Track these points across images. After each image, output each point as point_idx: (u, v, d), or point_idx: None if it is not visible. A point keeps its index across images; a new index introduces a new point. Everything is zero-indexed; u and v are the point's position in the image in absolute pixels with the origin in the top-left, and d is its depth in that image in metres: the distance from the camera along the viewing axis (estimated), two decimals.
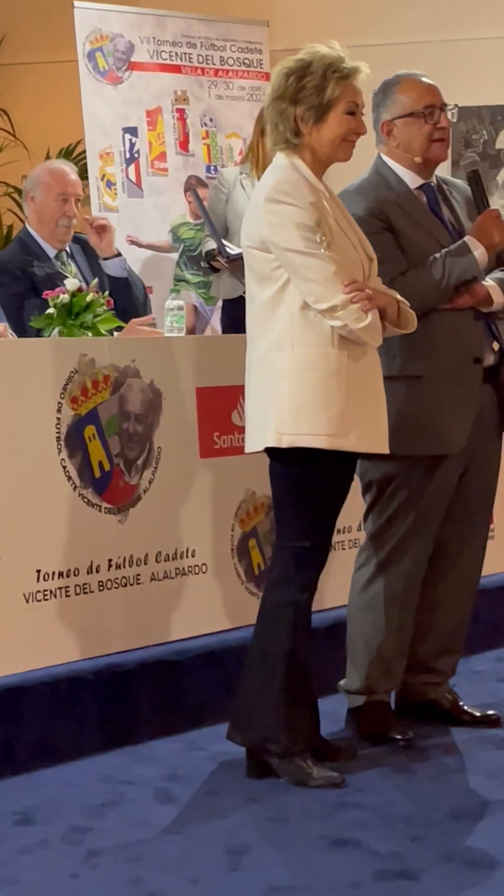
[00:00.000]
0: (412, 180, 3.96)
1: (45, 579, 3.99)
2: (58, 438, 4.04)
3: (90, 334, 4.36)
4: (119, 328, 4.61)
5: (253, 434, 3.67)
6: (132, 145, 7.15)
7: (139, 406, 4.26)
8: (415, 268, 3.86)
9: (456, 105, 3.98)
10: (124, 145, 7.13)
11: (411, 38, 7.89)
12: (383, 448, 3.66)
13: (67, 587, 4.04)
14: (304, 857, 3.16)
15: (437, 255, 3.87)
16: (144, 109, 7.21)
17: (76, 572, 4.06)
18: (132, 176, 7.16)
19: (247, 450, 3.74)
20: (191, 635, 4.33)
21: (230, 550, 4.51)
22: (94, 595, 4.10)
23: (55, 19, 7.65)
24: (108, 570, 4.14)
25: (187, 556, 4.37)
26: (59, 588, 4.02)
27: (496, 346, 3.97)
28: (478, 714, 4.14)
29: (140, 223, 7.16)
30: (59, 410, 4.04)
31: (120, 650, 4.14)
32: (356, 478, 3.83)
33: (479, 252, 3.86)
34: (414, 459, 3.90)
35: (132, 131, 7.16)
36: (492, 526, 4.68)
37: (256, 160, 5.91)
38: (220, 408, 4.46)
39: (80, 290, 4.43)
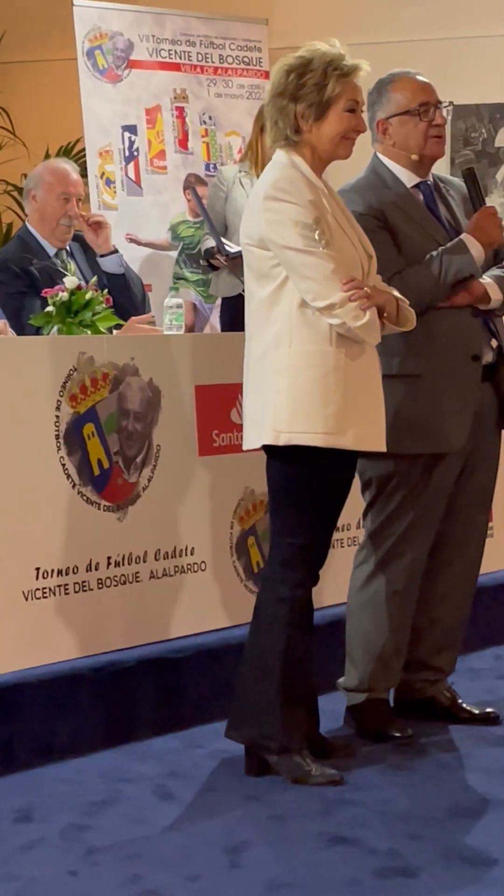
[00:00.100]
0: (408, 178, 3.97)
1: (44, 577, 3.99)
2: (57, 436, 4.04)
3: (89, 332, 4.36)
4: (118, 326, 4.61)
5: (250, 431, 3.68)
6: (131, 143, 7.15)
7: (138, 404, 4.26)
8: (412, 266, 3.86)
9: (451, 102, 3.99)
10: (123, 143, 7.13)
11: (410, 36, 7.90)
12: (381, 446, 3.66)
13: (66, 585, 4.04)
14: (303, 855, 3.16)
15: (434, 253, 3.88)
16: (144, 107, 7.21)
17: (75, 570, 4.06)
18: (131, 174, 7.16)
19: (244, 447, 3.74)
20: (190, 633, 4.33)
21: (229, 548, 4.51)
22: (93, 593, 4.10)
23: (54, 17, 7.66)
24: (107, 567, 4.14)
25: (186, 554, 4.37)
26: (58, 586, 4.02)
27: (494, 343, 3.98)
28: (476, 711, 4.15)
29: (139, 221, 7.16)
30: (58, 408, 4.04)
31: (119, 648, 4.14)
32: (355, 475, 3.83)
33: (476, 250, 3.87)
34: (413, 457, 3.90)
35: (131, 129, 7.16)
36: (490, 523, 4.69)
37: (256, 158, 5.91)
38: (219, 406, 4.46)
39: (79, 288, 4.43)
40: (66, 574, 4.04)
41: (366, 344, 3.60)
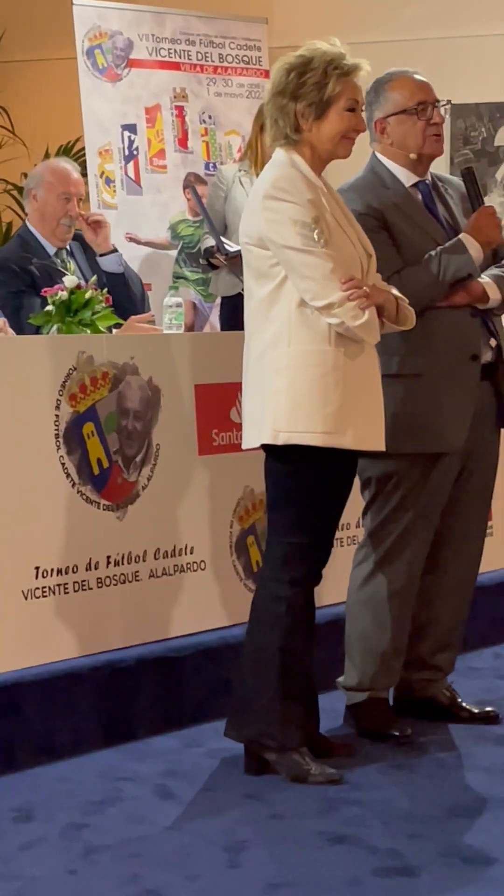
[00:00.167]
0: (407, 178, 3.97)
1: (43, 576, 3.99)
2: (56, 435, 4.04)
3: (89, 331, 4.36)
4: (117, 325, 4.61)
5: (249, 430, 3.67)
6: (131, 142, 7.15)
7: (138, 403, 4.26)
8: (410, 266, 3.86)
9: (449, 101, 3.99)
10: (123, 142, 7.14)
11: (410, 35, 7.90)
12: (380, 446, 3.66)
13: (66, 584, 4.04)
14: (303, 854, 3.16)
15: (433, 252, 3.88)
16: (143, 106, 7.22)
17: (75, 569, 4.06)
18: (131, 173, 7.16)
19: (244, 446, 3.74)
20: (189, 632, 4.33)
21: (229, 547, 4.51)
22: (92, 592, 4.10)
23: (54, 17, 7.66)
24: (107, 567, 4.14)
25: (186, 553, 4.37)
26: (58, 585, 4.02)
27: (493, 342, 3.98)
28: (476, 710, 4.15)
29: (139, 220, 7.17)
30: (57, 407, 4.04)
31: (118, 647, 4.14)
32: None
33: (475, 249, 3.87)
34: (412, 457, 3.90)
35: (131, 128, 7.17)
36: (490, 522, 4.69)
37: (255, 157, 5.92)
38: (219, 405, 4.46)
39: (78, 287, 4.43)
40: (66, 573, 4.04)
41: (365, 343, 3.60)
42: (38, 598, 3.98)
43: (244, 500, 4.55)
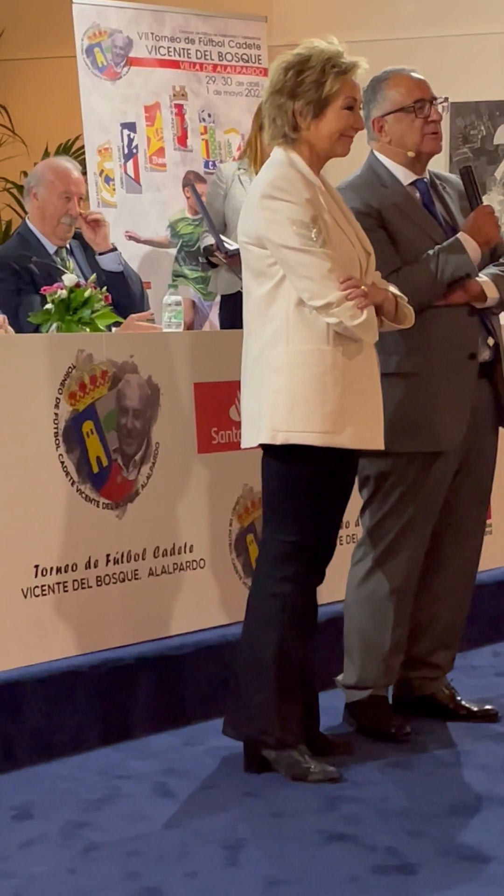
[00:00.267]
0: (405, 176, 3.97)
1: (42, 574, 3.99)
2: (56, 434, 4.04)
3: (88, 330, 4.36)
4: (117, 324, 4.61)
5: (248, 429, 3.68)
6: (130, 141, 7.15)
7: (137, 401, 4.26)
8: (408, 265, 3.87)
9: (447, 98, 3.99)
10: (122, 141, 7.13)
11: (409, 33, 7.90)
12: (378, 445, 3.66)
13: (65, 582, 4.04)
14: (302, 852, 3.16)
15: (431, 251, 3.88)
16: (143, 105, 7.22)
17: (74, 567, 4.07)
18: (130, 171, 7.16)
19: (243, 445, 3.74)
20: (188, 630, 4.34)
21: (228, 546, 4.52)
22: (91, 590, 4.10)
23: (54, 15, 7.66)
24: (106, 565, 4.15)
25: (185, 552, 4.37)
26: (57, 583, 4.02)
27: (491, 341, 3.99)
28: (475, 709, 4.15)
29: (138, 219, 7.17)
30: (56, 406, 4.04)
31: (118, 645, 4.14)
32: None
33: (473, 249, 3.87)
34: (410, 456, 3.91)
35: (130, 127, 7.16)
36: (488, 521, 4.69)
37: (255, 155, 5.91)
38: (218, 403, 4.46)
39: (77, 285, 4.43)
40: (65, 571, 4.04)
41: (364, 342, 3.60)
42: (37, 596, 3.98)
43: (243, 499, 4.56)
